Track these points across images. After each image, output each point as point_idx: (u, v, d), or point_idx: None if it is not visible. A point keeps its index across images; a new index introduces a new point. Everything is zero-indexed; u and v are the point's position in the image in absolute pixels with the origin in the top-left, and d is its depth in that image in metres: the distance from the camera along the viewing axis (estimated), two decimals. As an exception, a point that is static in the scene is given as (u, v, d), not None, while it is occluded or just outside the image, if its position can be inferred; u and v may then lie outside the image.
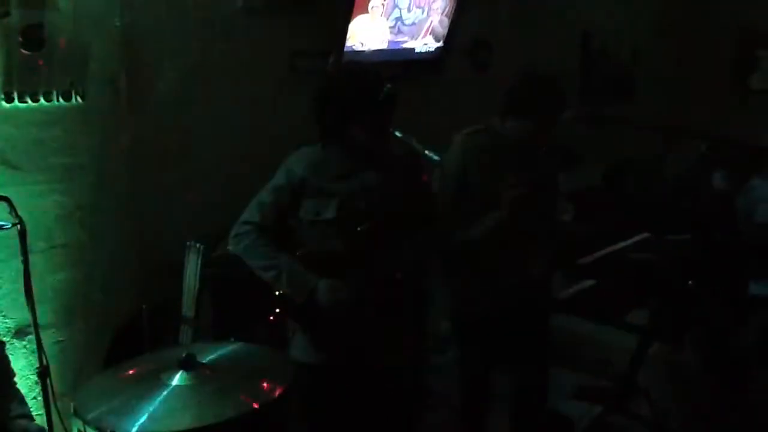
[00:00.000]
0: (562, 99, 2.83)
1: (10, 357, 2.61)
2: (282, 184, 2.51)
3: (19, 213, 2.46)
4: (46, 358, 2.55)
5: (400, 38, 4.22)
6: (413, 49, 4.34)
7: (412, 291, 2.67)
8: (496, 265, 2.83)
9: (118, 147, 3.18)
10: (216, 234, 2.99)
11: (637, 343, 3.41)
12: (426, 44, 4.40)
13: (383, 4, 4.00)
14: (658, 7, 6.43)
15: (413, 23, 4.25)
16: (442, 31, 4.45)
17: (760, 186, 4.30)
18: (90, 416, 1.95)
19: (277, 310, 2.77)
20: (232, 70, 3.55)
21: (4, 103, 2.78)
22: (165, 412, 1.97)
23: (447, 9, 4.39)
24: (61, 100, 2.92)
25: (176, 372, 2.09)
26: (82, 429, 1.95)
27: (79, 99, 2.98)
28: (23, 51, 2.75)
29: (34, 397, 2.81)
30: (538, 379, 3.05)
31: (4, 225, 2.46)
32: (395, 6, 4.08)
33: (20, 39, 2.73)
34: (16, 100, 2.79)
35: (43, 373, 2.53)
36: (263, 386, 2.13)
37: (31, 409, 2.54)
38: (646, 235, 4.07)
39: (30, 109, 2.85)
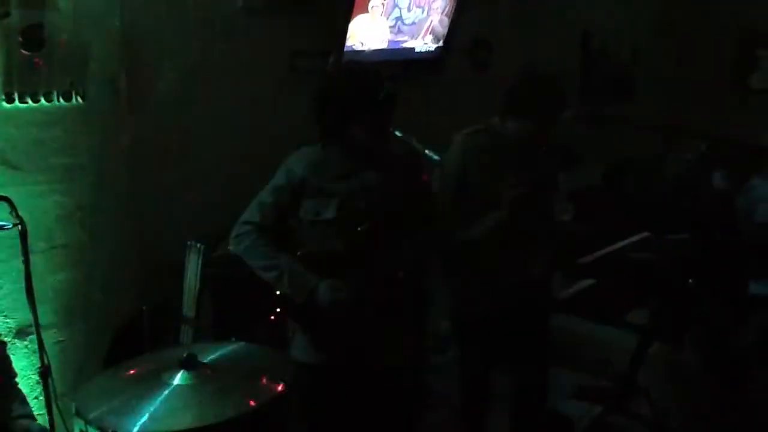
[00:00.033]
0: (562, 99, 2.83)
1: (12, 357, 2.61)
2: (282, 184, 2.51)
3: (20, 213, 2.46)
4: (47, 358, 2.54)
5: (400, 38, 4.22)
6: (413, 48, 4.34)
7: (413, 291, 2.67)
8: (496, 265, 2.83)
9: (118, 147, 3.18)
10: (216, 234, 2.99)
11: (637, 343, 3.41)
12: (426, 44, 4.41)
13: (383, 4, 3.99)
14: (658, 7, 6.43)
15: (413, 23, 4.25)
16: (442, 30, 4.45)
17: (760, 186, 4.30)
18: (91, 416, 1.96)
19: (278, 310, 2.78)
20: (232, 70, 3.55)
21: (4, 104, 2.78)
22: (166, 411, 1.97)
23: (447, 8, 4.39)
24: (61, 100, 2.92)
25: (177, 372, 2.10)
26: (84, 429, 1.96)
27: (79, 99, 2.98)
28: (23, 51, 2.75)
29: (36, 397, 2.81)
30: (538, 379, 3.06)
31: (4, 225, 2.45)
32: (395, 5, 4.08)
33: (20, 39, 2.73)
34: (16, 101, 2.79)
35: (44, 373, 2.52)
36: (264, 386, 2.14)
37: (33, 409, 2.54)
38: (646, 234, 4.07)
39: (30, 110, 2.85)
